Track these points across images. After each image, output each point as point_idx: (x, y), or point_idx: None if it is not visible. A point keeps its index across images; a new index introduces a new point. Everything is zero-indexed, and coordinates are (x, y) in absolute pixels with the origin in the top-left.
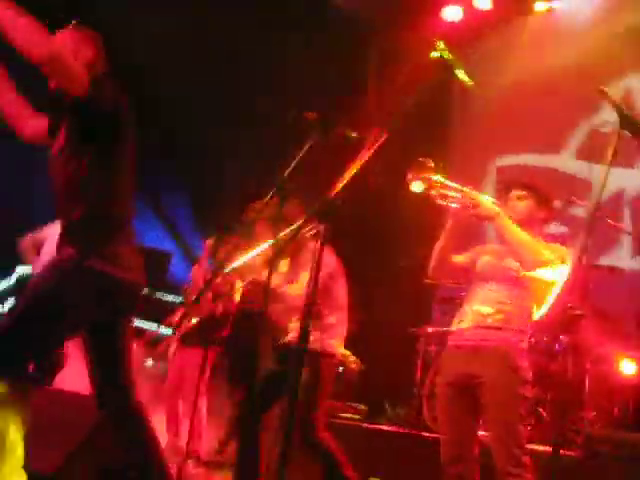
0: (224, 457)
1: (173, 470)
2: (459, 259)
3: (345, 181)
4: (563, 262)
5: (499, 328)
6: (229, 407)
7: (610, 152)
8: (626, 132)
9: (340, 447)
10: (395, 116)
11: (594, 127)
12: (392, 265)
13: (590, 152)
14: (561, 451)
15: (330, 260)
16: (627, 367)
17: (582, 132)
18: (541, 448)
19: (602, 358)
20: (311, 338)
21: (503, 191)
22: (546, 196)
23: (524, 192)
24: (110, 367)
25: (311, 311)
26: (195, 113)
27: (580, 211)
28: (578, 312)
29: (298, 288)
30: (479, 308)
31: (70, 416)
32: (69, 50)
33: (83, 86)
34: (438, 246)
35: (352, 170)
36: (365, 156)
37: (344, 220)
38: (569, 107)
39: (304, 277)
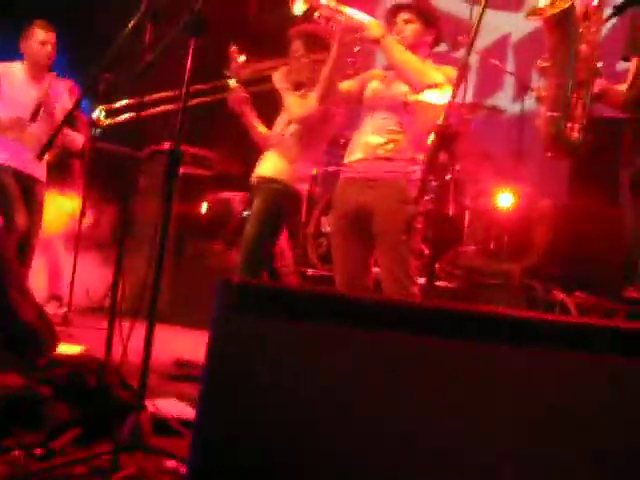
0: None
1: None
2: (346, 86)
3: None
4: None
5: (390, 159)
6: None
7: None
8: None
9: None
10: None
11: None
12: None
13: None
14: (440, 283)
15: None
16: (504, 199)
17: None
18: (422, 281)
19: (481, 194)
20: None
21: (389, 15)
22: (433, 18)
23: (411, 15)
24: None
25: None
26: None
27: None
28: (455, 130)
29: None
30: (369, 139)
31: None
32: None
33: None
34: (324, 74)
35: None
36: None
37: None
38: None
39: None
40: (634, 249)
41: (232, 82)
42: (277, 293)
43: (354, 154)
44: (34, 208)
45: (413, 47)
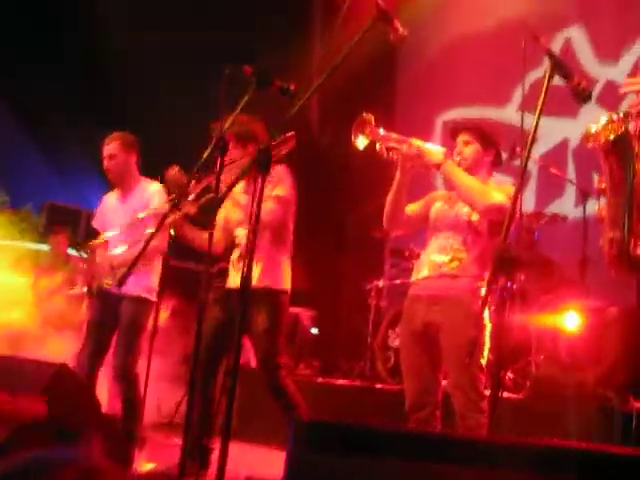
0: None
1: None
2: (412, 208)
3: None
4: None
5: (455, 276)
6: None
7: (541, 99)
8: (558, 77)
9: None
10: (333, 69)
11: (537, 79)
12: (342, 220)
13: (533, 104)
14: (507, 394)
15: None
16: (571, 319)
17: (526, 85)
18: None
19: (548, 304)
20: (258, 275)
21: (450, 138)
22: (492, 138)
23: (470, 136)
24: None
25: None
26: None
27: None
28: (514, 253)
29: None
30: (434, 257)
31: None
32: None
33: None
34: (389, 198)
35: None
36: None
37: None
38: (512, 60)
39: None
40: None
41: None
42: (346, 431)
43: (421, 272)
44: None
45: (473, 168)
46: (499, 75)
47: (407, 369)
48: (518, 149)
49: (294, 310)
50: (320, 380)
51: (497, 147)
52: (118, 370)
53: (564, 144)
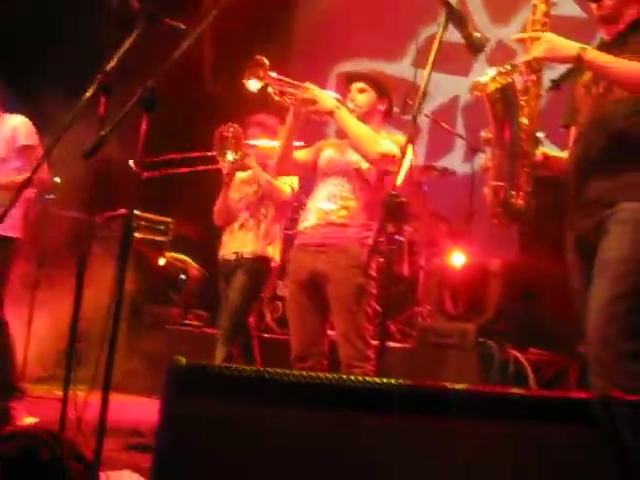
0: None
1: None
2: (301, 154)
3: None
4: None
5: (343, 225)
6: None
7: (434, 48)
8: (453, 27)
9: None
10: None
11: (432, 35)
12: None
13: (424, 59)
14: (395, 344)
15: None
16: (456, 258)
17: (420, 40)
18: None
19: (435, 254)
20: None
21: (344, 85)
22: (386, 88)
23: (365, 84)
24: None
25: None
26: None
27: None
28: (403, 199)
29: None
30: (322, 205)
31: None
32: None
33: None
34: (280, 142)
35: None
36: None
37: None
38: (410, 15)
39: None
40: (579, 310)
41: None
42: (222, 375)
43: (307, 220)
44: None
45: (366, 116)
46: (395, 29)
47: (293, 319)
48: (410, 102)
49: (183, 259)
50: (209, 331)
51: (390, 97)
52: None
53: (455, 100)
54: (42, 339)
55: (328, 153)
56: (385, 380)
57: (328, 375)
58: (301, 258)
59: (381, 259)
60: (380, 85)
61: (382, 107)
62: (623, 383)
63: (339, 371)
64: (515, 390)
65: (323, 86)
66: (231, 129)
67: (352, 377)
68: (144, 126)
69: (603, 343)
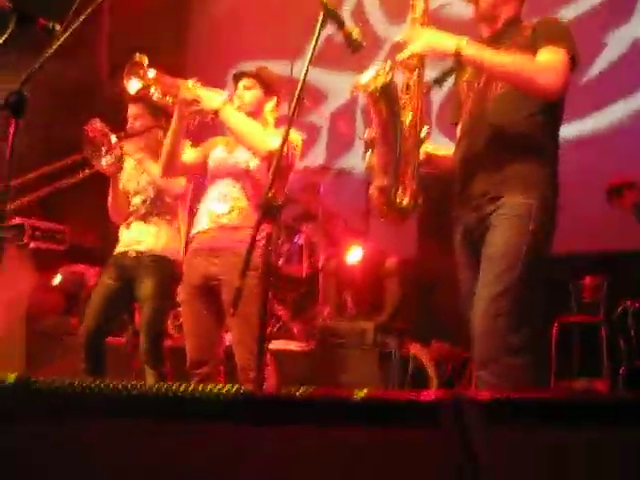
0: None
1: None
2: (189, 155)
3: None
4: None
5: (236, 227)
6: None
7: (311, 46)
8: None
9: None
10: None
11: (327, 36)
12: None
13: (323, 60)
14: (298, 346)
15: None
16: (353, 255)
17: (319, 40)
18: (280, 346)
19: (333, 254)
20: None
21: (233, 83)
22: (273, 84)
23: (250, 81)
24: None
25: None
26: None
27: (314, 117)
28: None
29: None
30: (213, 207)
31: None
32: None
33: None
34: (165, 145)
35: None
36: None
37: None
38: (308, 15)
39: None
40: (466, 305)
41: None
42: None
43: (200, 224)
44: None
45: (254, 113)
46: (293, 29)
47: (188, 325)
48: (306, 102)
49: (80, 268)
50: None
51: (278, 93)
52: None
53: (353, 100)
54: None
55: (217, 153)
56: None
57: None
58: (195, 263)
59: (275, 260)
60: (266, 81)
61: (270, 104)
62: (509, 377)
63: (234, 376)
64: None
65: (222, 88)
66: (97, 125)
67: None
68: (11, 131)
69: (490, 338)
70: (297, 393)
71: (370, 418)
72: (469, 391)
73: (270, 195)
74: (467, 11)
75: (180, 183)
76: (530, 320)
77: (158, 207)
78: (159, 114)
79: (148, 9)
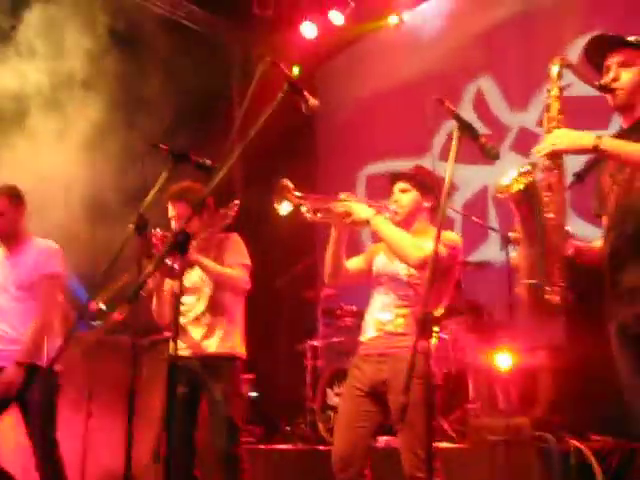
0: None
1: None
2: (353, 263)
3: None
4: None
5: (401, 334)
6: None
7: (452, 155)
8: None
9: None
10: (248, 142)
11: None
12: (272, 282)
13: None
14: (451, 444)
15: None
16: (503, 360)
17: (442, 135)
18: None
19: (480, 351)
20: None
21: (377, 190)
22: (430, 184)
23: (407, 184)
24: None
25: None
26: None
27: (449, 210)
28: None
29: None
30: (378, 316)
31: None
32: None
33: None
34: (328, 255)
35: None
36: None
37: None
38: (426, 111)
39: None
40: (629, 398)
41: None
42: None
43: (367, 332)
44: None
45: (411, 216)
46: (416, 128)
47: (339, 424)
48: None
49: None
50: (262, 447)
51: (436, 193)
52: None
53: (484, 191)
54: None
55: (380, 260)
56: None
57: None
58: (363, 368)
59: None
60: (423, 183)
61: (428, 204)
62: None
63: None
64: None
65: (352, 191)
66: (159, 233)
67: None
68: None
69: None
70: None
71: None
72: None
73: (426, 310)
74: (586, 90)
75: (246, 277)
76: None
77: (215, 306)
78: (202, 210)
79: (276, 120)
